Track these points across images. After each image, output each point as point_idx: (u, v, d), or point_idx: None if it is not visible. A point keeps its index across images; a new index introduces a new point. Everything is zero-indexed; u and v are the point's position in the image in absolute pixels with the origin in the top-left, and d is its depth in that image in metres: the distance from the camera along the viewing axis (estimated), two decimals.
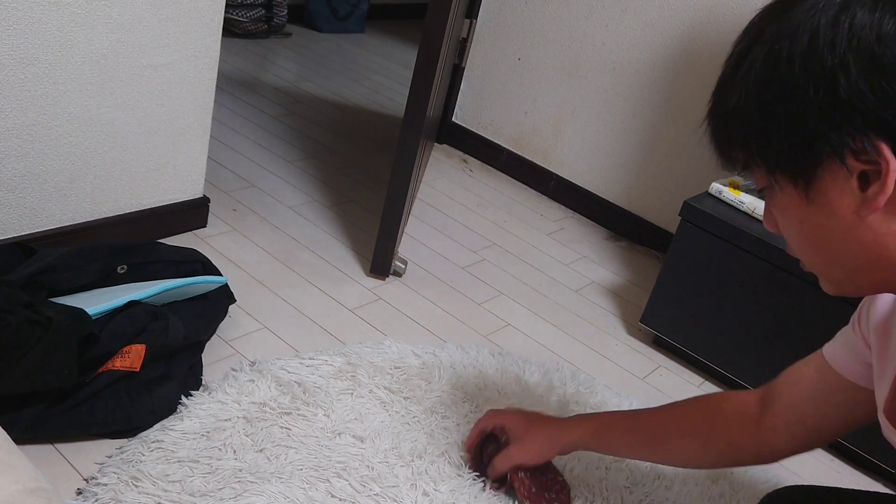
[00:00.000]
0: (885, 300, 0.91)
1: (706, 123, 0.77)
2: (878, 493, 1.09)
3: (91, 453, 1.21)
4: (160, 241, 1.65)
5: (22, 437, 1.16)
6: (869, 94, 0.65)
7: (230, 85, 2.86)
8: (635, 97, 2.32)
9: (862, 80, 0.65)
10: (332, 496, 1.20)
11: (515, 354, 1.68)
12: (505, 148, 2.66)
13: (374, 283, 1.85)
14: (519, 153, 2.63)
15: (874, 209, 0.68)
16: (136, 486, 1.14)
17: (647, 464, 1.41)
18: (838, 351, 1.01)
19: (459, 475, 1.30)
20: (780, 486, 1.07)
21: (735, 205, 1.70)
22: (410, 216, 2.19)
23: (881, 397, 0.89)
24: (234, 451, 1.25)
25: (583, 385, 1.62)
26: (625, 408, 1.58)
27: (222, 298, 1.53)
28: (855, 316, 0.97)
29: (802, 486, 1.05)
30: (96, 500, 1.11)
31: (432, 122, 2.29)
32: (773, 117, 0.71)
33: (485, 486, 1.29)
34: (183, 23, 1.59)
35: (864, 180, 0.68)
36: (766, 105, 0.70)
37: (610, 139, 2.40)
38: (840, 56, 0.65)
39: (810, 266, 0.81)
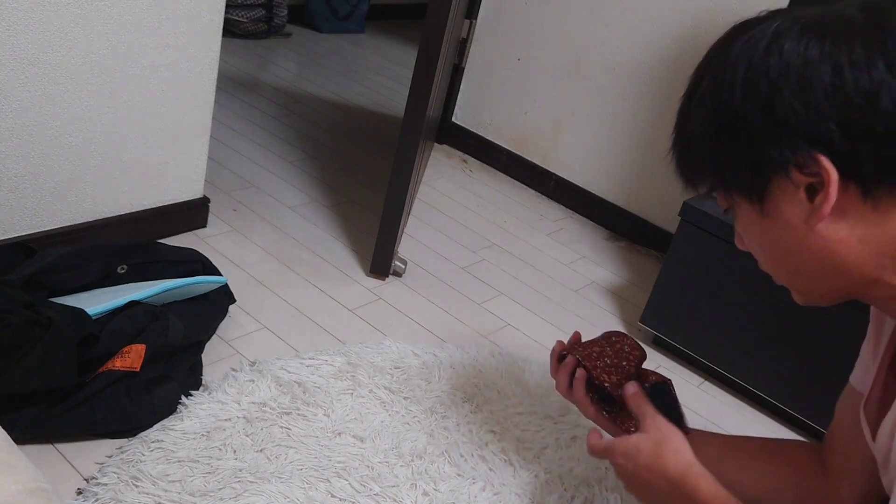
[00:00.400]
0: None
1: (672, 154, 0.85)
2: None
3: (91, 453, 1.21)
4: (160, 241, 1.65)
5: (22, 437, 1.16)
6: (802, 112, 0.72)
7: (230, 85, 2.86)
8: (635, 97, 2.32)
9: (795, 100, 0.72)
10: (332, 496, 1.20)
11: (515, 354, 1.68)
12: (505, 148, 2.66)
13: (374, 283, 1.85)
14: (519, 153, 2.63)
15: (821, 217, 0.75)
16: (136, 486, 1.14)
17: None
18: (857, 370, 0.98)
19: (459, 475, 1.30)
20: None
21: None
22: (410, 216, 2.19)
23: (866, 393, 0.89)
24: (234, 451, 1.25)
25: None
26: None
27: (222, 298, 1.53)
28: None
29: None
30: (96, 500, 1.12)
31: (432, 122, 2.29)
32: (724, 140, 0.78)
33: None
34: (183, 23, 1.59)
35: (812, 192, 0.75)
36: (716, 130, 0.78)
37: (610, 139, 2.40)
38: (774, 81, 0.73)
39: (778, 279, 0.87)
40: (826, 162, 0.72)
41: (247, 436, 1.28)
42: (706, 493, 0.93)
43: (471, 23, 2.60)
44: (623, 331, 1.18)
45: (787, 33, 0.73)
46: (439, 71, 1.73)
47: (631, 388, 1.07)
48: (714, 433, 1.19)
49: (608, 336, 1.18)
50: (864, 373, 0.95)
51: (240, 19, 3.41)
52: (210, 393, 1.35)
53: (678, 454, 0.97)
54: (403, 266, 1.89)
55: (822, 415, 1.54)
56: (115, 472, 1.16)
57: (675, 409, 1.11)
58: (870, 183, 0.72)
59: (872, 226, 0.75)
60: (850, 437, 0.99)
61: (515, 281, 2.03)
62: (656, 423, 1.01)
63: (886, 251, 0.76)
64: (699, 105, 0.80)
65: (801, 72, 0.71)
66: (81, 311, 1.25)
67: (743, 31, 0.77)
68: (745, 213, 0.82)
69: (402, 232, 1.97)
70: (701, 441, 1.14)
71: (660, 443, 0.99)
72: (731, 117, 0.76)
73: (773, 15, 0.76)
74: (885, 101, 0.69)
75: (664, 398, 1.10)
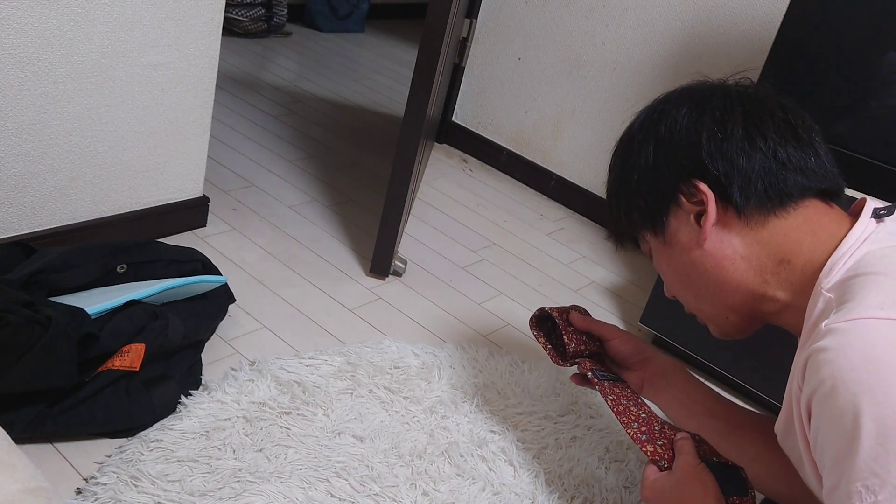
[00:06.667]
0: None
1: (607, 213, 1.09)
2: None
3: (91, 453, 1.21)
4: (160, 240, 1.65)
5: (22, 436, 1.16)
6: (681, 153, 0.96)
7: (230, 84, 2.86)
8: (635, 97, 2.31)
9: (675, 146, 0.96)
10: (332, 496, 1.20)
11: (515, 354, 1.68)
12: (505, 147, 2.66)
13: (373, 282, 1.85)
14: (519, 153, 2.63)
15: (706, 235, 0.95)
16: (136, 486, 1.14)
17: None
18: None
19: (459, 475, 1.30)
20: None
21: None
22: (410, 216, 2.19)
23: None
24: (234, 451, 1.25)
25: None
26: None
27: (222, 298, 1.53)
28: None
29: None
30: (96, 500, 1.11)
31: (432, 122, 2.29)
32: (628, 187, 1.03)
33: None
34: (183, 22, 1.59)
35: (700, 219, 0.95)
36: (622, 180, 1.04)
37: (610, 139, 2.39)
38: (660, 134, 0.98)
39: (694, 310, 1.04)
40: (703, 186, 0.94)
41: (246, 435, 1.28)
42: None
43: (471, 22, 2.60)
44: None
45: (668, 101, 0.99)
46: (439, 70, 1.73)
47: (681, 435, 1.14)
48: (700, 396, 1.26)
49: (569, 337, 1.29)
50: None
51: (239, 18, 3.41)
52: (209, 392, 1.35)
53: (704, 494, 1.02)
54: (403, 266, 1.89)
55: None
56: (114, 472, 1.16)
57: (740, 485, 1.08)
58: (740, 201, 0.92)
59: (751, 245, 0.93)
60: None
61: (515, 281, 2.02)
62: (686, 462, 1.07)
63: (766, 267, 0.93)
64: (614, 163, 1.08)
65: (678, 126, 0.96)
66: (81, 311, 1.25)
67: (642, 111, 1.03)
68: (656, 248, 1.03)
69: (402, 232, 1.97)
70: (683, 406, 1.24)
71: (684, 482, 1.05)
72: (630, 167, 1.02)
73: (666, 94, 1.02)
74: (733, 147, 0.92)
75: (731, 479, 1.08)
